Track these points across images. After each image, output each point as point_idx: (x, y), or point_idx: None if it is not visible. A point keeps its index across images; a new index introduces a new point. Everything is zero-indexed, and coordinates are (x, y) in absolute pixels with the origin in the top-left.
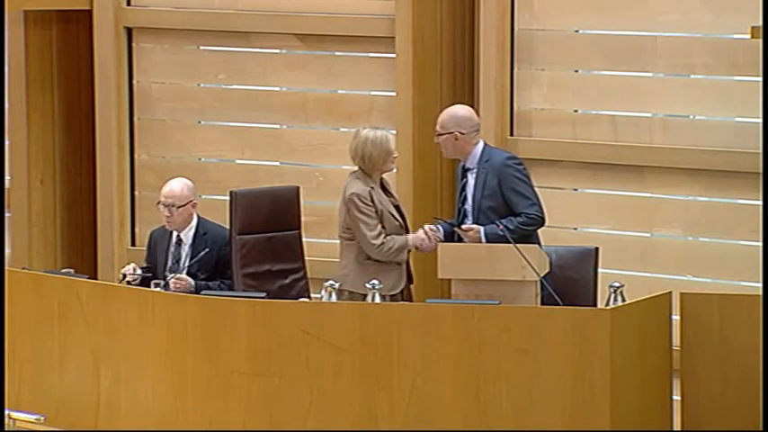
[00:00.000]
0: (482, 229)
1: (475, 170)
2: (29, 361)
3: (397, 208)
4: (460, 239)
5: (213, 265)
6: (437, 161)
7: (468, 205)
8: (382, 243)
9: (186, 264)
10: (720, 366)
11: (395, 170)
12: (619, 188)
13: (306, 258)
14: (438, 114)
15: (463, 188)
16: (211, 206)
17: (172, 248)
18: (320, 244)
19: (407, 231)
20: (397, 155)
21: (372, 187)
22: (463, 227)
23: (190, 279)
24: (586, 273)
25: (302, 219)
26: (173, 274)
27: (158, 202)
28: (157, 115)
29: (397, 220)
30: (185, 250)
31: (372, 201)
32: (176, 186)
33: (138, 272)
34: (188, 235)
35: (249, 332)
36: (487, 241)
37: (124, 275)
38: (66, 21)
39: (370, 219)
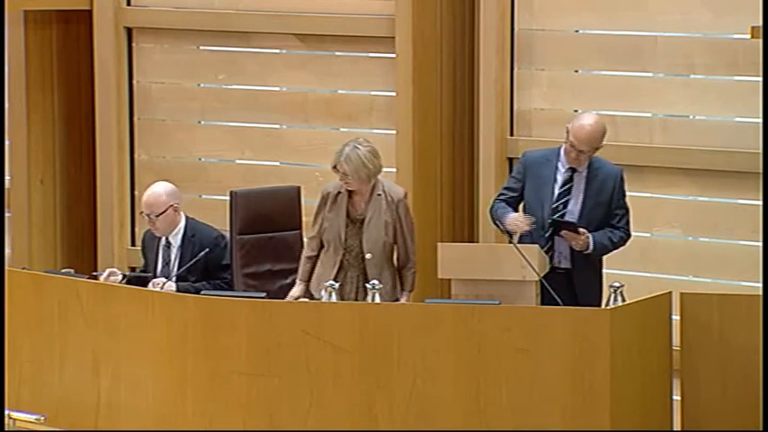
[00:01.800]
0: (591, 236)
1: (584, 174)
2: (29, 361)
3: (361, 222)
4: (547, 236)
5: (202, 268)
6: (437, 161)
7: (576, 208)
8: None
9: (176, 266)
10: (720, 366)
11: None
12: None
13: None
14: (439, 114)
15: (569, 190)
16: (211, 206)
17: (161, 251)
18: None
19: (361, 250)
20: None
21: (339, 192)
22: (579, 229)
23: (170, 284)
24: None
25: (303, 219)
26: (159, 280)
27: (141, 212)
28: (157, 115)
29: (342, 236)
30: (174, 252)
31: (324, 203)
32: (152, 195)
33: (118, 277)
34: (176, 237)
35: (249, 332)
36: (593, 250)
37: (124, 276)
38: (67, 21)
39: (315, 215)
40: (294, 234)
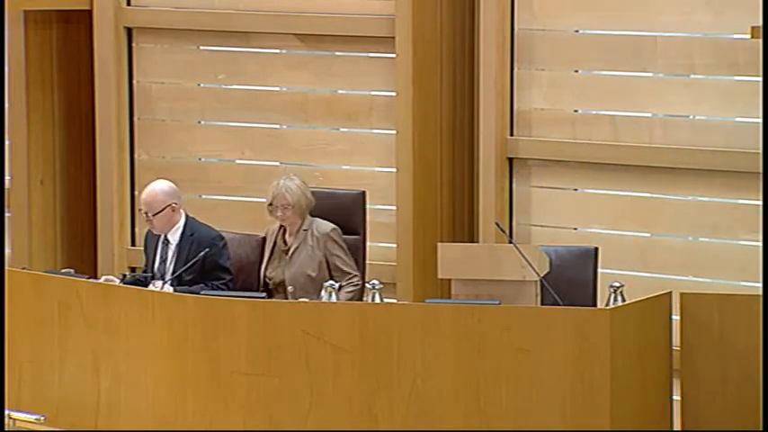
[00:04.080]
0: None
1: None
2: (29, 361)
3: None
4: None
5: (200, 268)
6: (437, 161)
7: None
8: None
9: (172, 265)
10: (720, 366)
11: (396, 170)
12: (619, 188)
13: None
14: (439, 114)
15: None
16: (211, 206)
17: (159, 248)
18: None
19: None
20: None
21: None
22: None
23: (167, 287)
24: (586, 273)
25: (367, 224)
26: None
27: (139, 209)
28: (157, 115)
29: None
30: (172, 250)
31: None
32: (150, 194)
33: (115, 281)
34: (174, 235)
35: (249, 332)
36: None
37: (123, 277)
38: (67, 21)
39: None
40: (356, 239)
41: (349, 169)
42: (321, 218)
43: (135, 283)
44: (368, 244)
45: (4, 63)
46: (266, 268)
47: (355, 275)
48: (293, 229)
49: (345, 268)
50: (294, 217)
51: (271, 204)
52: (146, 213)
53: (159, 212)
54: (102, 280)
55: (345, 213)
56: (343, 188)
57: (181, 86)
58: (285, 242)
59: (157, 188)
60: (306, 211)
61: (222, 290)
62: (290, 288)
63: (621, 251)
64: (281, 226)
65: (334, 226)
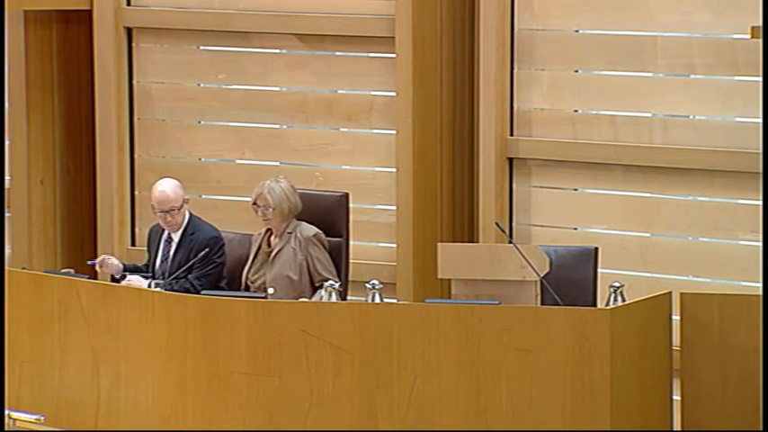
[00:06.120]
0: None
1: None
2: (29, 361)
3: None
4: None
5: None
6: (437, 161)
7: None
8: None
9: (172, 262)
10: (720, 366)
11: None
12: (619, 188)
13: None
14: (439, 114)
15: None
16: (211, 206)
17: (162, 245)
18: None
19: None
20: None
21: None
22: None
23: (114, 260)
24: (586, 273)
25: (350, 227)
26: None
27: (155, 210)
28: (157, 115)
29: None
30: (173, 248)
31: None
32: (168, 190)
33: (114, 261)
34: (178, 233)
35: (249, 332)
36: None
37: (126, 273)
38: (67, 21)
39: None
40: (338, 242)
41: (349, 169)
42: (304, 221)
43: (135, 270)
44: (351, 245)
45: (4, 63)
46: (249, 271)
47: (335, 282)
48: (278, 232)
49: (325, 273)
50: (276, 219)
51: (254, 204)
52: (167, 212)
53: (180, 208)
54: (99, 259)
55: (328, 216)
56: (327, 190)
57: (181, 86)
58: (269, 245)
59: (169, 185)
60: (289, 215)
61: (202, 282)
62: (270, 290)
63: (621, 251)
64: (267, 229)
65: (317, 230)
